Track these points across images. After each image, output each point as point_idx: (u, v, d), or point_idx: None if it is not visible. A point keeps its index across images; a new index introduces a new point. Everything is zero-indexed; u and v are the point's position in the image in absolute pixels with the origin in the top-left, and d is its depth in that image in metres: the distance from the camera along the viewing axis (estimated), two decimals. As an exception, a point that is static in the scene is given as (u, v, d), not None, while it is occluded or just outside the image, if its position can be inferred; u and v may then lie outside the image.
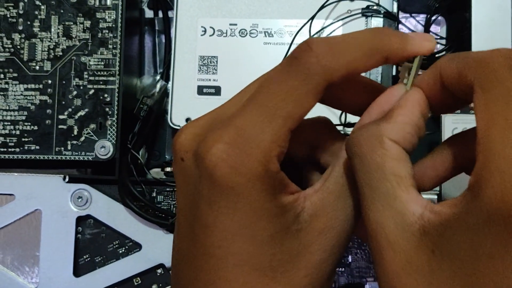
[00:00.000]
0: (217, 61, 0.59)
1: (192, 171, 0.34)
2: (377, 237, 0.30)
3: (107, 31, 0.59)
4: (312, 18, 0.58)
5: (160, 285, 0.58)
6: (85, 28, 0.60)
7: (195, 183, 0.34)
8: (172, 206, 0.59)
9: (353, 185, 0.33)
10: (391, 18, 0.59)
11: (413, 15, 0.63)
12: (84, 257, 0.59)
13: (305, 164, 0.39)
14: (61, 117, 0.59)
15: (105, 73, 0.59)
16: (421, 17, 0.63)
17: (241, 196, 0.33)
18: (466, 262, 0.27)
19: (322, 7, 0.58)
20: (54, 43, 0.60)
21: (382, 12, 0.58)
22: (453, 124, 0.55)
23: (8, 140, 0.59)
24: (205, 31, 0.60)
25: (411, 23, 0.63)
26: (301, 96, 0.33)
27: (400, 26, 0.61)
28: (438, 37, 0.62)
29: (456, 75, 0.31)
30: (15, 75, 0.59)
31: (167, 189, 0.59)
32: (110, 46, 0.59)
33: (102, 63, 0.59)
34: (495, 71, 0.29)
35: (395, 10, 0.60)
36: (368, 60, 0.33)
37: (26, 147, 0.59)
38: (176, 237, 0.36)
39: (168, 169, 0.61)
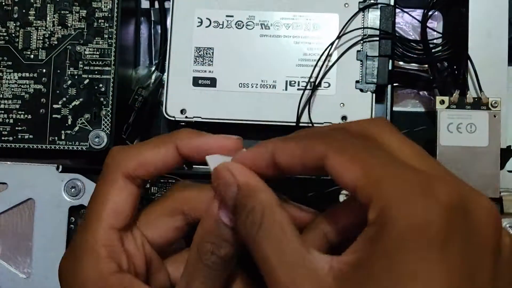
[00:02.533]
0: (213, 53, 0.59)
1: None
2: None
3: (103, 21, 0.59)
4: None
5: (153, 276, 0.58)
6: (80, 17, 0.59)
7: None
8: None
9: None
10: (387, 12, 0.58)
11: (409, 10, 0.62)
12: (77, 247, 0.59)
13: None
14: (55, 106, 0.58)
15: (100, 63, 0.59)
16: (418, 12, 0.62)
17: None
18: None
19: None
20: (49, 32, 0.59)
21: (379, 6, 0.58)
22: (449, 119, 0.55)
23: (1, 129, 0.58)
24: (201, 22, 0.60)
25: (407, 19, 0.62)
26: (105, 194, 0.38)
27: (397, 21, 0.61)
28: (435, 33, 0.62)
29: (299, 154, 0.33)
30: (10, 63, 0.59)
31: (162, 180, 0.59)
32: (106, 36, 0.59)
33: (98, 52, 0.59)
34: (346, 136, 0.34)
35: (392, 3, 0.60)
36: (155, 150, 0.38)
37: (19, 136, 0.58)
38: None
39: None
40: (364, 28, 0.59)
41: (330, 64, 0.58)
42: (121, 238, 0.38)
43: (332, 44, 0.58)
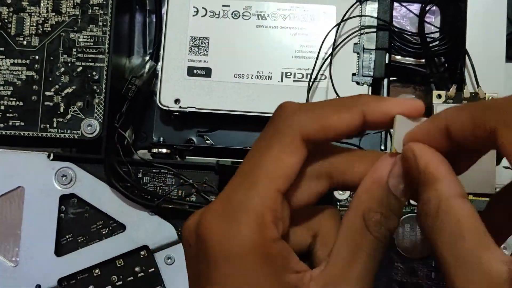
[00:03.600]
0: (208, 43, 0.59)
1: (196, 252, 0.34)
2: None
3: (97, 8, 0.58)
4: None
5: (143, 267, 0.57)
6: (75, 4, 0.59)
7: (199, 264, 0.34)
8: (158, 188, 0.58)
9: (357, 267, 0.33)
10: (385, 5, 0.58)
11: (407, 5, 0.62)
12: (67, 236, 0.58)
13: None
14: (47, 93, 0.58)
15: (94, 50, 0.58)
16: (416, 6, 0.62)
17: (234, 269, 0.32)
18: None
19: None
20: (43, 18, 0.59)
21: (377, -1, 0.58)
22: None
23: (-8, 116, 0.58)
24: (197, 11, 0.59)
25: (403, 13, 0.62)
26: (278, 153, 0.33)
27: (395, 15, 0.60)
28: (433, 27, 0.62)
29: (470, 126, 0.31)
30: (2, 49, 0.58)
31: (154, 170, 0.58)
32: (100, 24, 0.58)
33: (92, 40, 0.58)
34: None
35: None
36: (341, 115, 0.34)
37: (10, 123, 0.58)
38: None
39: (154, 150, 0.60)
40: (361, 16, 0.58)
41: (327, 56, 0.57)
42: (282, 204, 0.34)
43: (328, 34, 0.57)
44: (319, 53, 0.57)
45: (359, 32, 0.58)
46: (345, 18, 0.58)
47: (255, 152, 0.34)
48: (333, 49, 0.58)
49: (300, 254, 0.35)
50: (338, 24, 0.58)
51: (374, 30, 0.58)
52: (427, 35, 0.60)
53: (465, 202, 0.30)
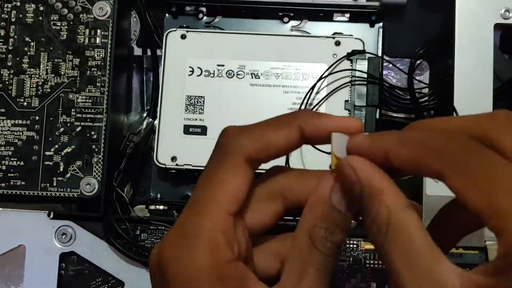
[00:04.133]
0: (204, 101, 0.60)
1: (159, 281, 0.35)
2: None
3: (95, 69, 0.60)
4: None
5: (142, 323, 0.59)
6: (74, 65, 0.60)
7: None
8: (155, 244, 0.59)
9: (307, 283, 0.34)
10: (375, 63, 0.60)
11: (396, 60, 0.64)
12: (67, 293, 0.59)
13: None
14: (47, 153, 0.59)
15: (92, 110, 0.60)
16: (405, 61, 0.64)
17: None
18: None
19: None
20: (42, 80, 0.60)
21: (366, 56, 0.59)
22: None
23: (-6, 175, 0.59)
24: (192, 71, 0.61)
25: (392, 70, 0.64)
26: (223, 177, 0.35)
27: (385, 71, 0.62)
28: (422, 84, 0.63)
29: (413, 164, 0.31)
30: (3, 110, 0.60)
31: (151, 227, 0.59)
32: (98, 84, 0.60)
33: (90, 100, 0.60)
34: (467, 152, 0.30)
35: (379, 54, 0.61)
36: (279, 132, 0.35)
37: (11, 183, 0.59)
38: None
39: (152, 207, 0.61)
40: (352, 69, 0.60)
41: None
42: (234, 225, 0.35)
43: (313, 87, 0.59)
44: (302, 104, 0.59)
45: (349, 89, 0.59)
46: (335, 75, 0.59)
47: (203, 179, 0.36)
48: (322, 101, 0.59)
49: (271, 279, 0.36)
50: (325, 77, 0.59)
51: (365, 82, 0.59)
52: (416, 91, 0.62)
53: (412, 213, 0.31)
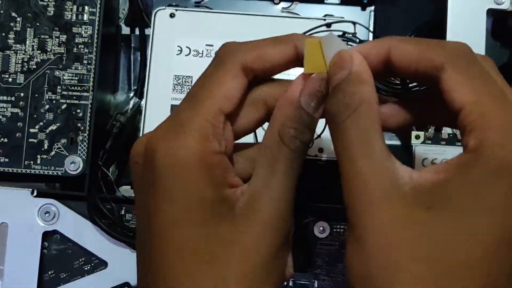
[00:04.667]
0: (192, 81, 0.59)
1: (143, 168, 0.38)
2: (368, 193, 0.34)
3: (82, 46, 0.59)
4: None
5: (125, 304, 0.58)
6: (60, 42, 0.59)
7: (145, 178, 0.37)
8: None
9: (277, 177, 0.37)
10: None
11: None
12: (49, 272, 0.58)
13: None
14: (32, 130, 0.58)
15: (78, 88, 0.59)
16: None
17: (178, 180, 0.36)
18: (466, 216, 0.32)
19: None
20: (28, 56, 0.59)
21: (357, 41, 0.59)
22: (424, 154, 0.56)
23: (-23, 152, 0.58)
24: (181, 50, 0.60)
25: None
26: (220, 78, 0.38)
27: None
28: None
29: (416, 57, 0.35)
30: (-13, 86, 0.59)
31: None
32: (85, 62, 0.59)
33: (76, 78, 0.59)
34: (468, 56, 0.35)
35: (370, 38, 0.60)
36: (276, 46, 0.39)
37: (-5, 159, 0.58)
38: (137, 229, 0.40)
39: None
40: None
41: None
42: (224, 123, 0.38)
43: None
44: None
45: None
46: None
47: (200, 80, 0.39)
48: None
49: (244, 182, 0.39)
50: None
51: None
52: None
53: (379, 112, 0.35)
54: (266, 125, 0.38)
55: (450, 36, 0.59)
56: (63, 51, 0.59)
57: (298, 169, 0.38)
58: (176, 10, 0.60)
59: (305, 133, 0.37)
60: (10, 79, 0.59)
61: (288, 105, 0.37)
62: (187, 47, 0.60)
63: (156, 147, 0.36)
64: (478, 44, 0.59)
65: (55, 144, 0.58)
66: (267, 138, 0.38)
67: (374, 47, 0.37)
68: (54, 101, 0.59)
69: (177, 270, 0.36)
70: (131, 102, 0.62)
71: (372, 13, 0.61)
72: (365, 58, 0.37)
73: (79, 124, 0.58)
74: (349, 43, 0.59)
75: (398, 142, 0.63)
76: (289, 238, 0.39)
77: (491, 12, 0.59)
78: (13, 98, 0.59)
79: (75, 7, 0.60)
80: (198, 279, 0.36)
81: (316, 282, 0.58)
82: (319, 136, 0.56)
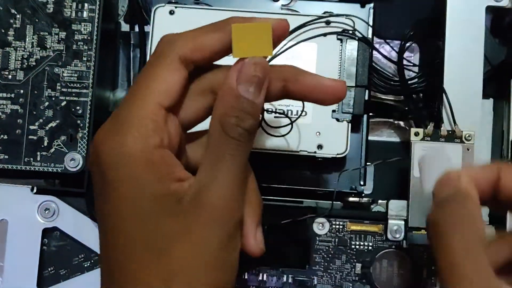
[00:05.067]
0: (191, 78, 0.59)
1: (94, 170, 0.39)
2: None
3: (82, 43, 0.59)
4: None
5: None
6: (60, 39, 0.59)
7: (95, 179, 0.39)
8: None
9: (222, 168, 0.37)
10: (365, 43, 0.59)
11: (387, 41, 0.63)
12: (49, 269, 0.59)
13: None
14: (31, 127, 0.58)
15: (78, 85, 0.59)
16: (395, 44, 0.63)
17: (123, 178, 0.37)
18: None
19: (299, 28, 0.59)
20: (28, 53, 0.59)
21: (356, 37, 0.59)
22: (423, 151, 0.56)
23: (-23, 149, 0.58)
24: (180, 47, 0.60)
25: (385, 49, 0.63)
26: (159, 73, 0.38)
27: (374, 53, 0.61)
28: (411, 64, 0.63)
29: None
30: (-13, 83, 0.59)
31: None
32: (85, 58, 0.59)
33: (76, 75, 0.59)
34: None
35: (370, 35, 0.60)
36: (212, 34, 0.39)
37: (-6, 156, 0.58)
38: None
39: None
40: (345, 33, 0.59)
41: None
42: (165, 117, 0.38)
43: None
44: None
45: (339, 69, 0.59)
46: (325, 55, 0.59)
47: (140, 76, 0.39)
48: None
49: None
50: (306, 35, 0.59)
51: (355, 65, 0.59)
52: (405, 66, 0.62)
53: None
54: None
55: (449, 33, 0.59)
56: (62, 48, 0.59)
57: (243, 159, 0.39)
58: (176, 7, 0.60)
59: (247, 120, 0.38)
60: (10, 76, 0.59)
61: (227, 94, 0.38)
62: (186, 44, 0.60)
63: (100, 147, 0.37)
64: (477, 41, 0.59)
65: (55, 141, 0.58)
66: (210, 129, 0.38)
67: (483, 171, 0.37)
68: (53, 98, 0.59)
69: (127, 263, 0.37)
70: (131, 99, 0.62)
71: (371, 10, 0.61)
72: (474, 180, 0.37)
73: (78, 121, 0.58)
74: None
75: (397, 139, 0.63)
76: (239, 226, 0.39)
77: (490, 9, 0.59)
78: (12, 95, 0.59)
79: (74, 4, 0.60)
80: (148, 272, 0.37)
81: (315, 279, 0.58)
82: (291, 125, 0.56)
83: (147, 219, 0.37)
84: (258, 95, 0.38)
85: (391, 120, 0.63)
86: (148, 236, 0.37)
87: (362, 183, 0.59)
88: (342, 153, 0.57)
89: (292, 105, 0.58)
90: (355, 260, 0.58)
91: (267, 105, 0.58)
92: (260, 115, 0.40)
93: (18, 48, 0.59)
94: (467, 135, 0.56)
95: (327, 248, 0.58)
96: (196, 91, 0.41)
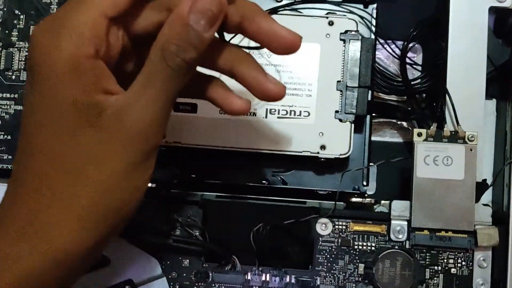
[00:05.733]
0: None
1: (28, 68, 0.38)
2: None
3: (85, 44, 0.59)
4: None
5: (127, 300, 0.58)
6: (63, 39, 0.59)
7: (27, 76, 0.39)
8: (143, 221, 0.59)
9: (149, 91, 0.37)
10: (368, 44, 0.59)
11: (390, 41, 0.63)
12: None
13: None
14: (35, 127, 0.58)
15: (81, 85, 0.59)
16: (398, 44, 0.63)
17: (49, 81, 0.36)
18: None
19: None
20: (31, 53, 0.59)
21: (359, 37, 0.59)
22: (426, 151, 0.56)
23: (-19, 149, 0.59)
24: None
25: (388, 50, 0.63)
26: None
27: (377, 53, 0.61)
28: (413, 63, 0.63)
29: None
30: (-10, 84, 0.59)
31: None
32: (88, 59, 0.59)
33: (79, 75, 0.59)
34: None
35: (372, 36, 0.60)
36: None
37: (-2, 157, 0.58)
38: None
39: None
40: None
41: (311, 93, 0.58)
42: (107, 27, 0.38)
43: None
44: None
45: (342, 69, 0.59)
46: (328, 56, 0.59)
47: None
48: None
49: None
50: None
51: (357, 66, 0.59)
52: (409, 64, 0.62)
53: None
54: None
55: (452, 33, 0.59)
56: (66, 49, 0.59)
57: (175, 89, 0.38)
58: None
59: (189, 51, 0.37)
60: (14, 77, 0.59)
61: (176, 20, 0.37)
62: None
63: (35, 47, 0.37)
64: (480, 42, 0.59)
65: (58, 141, 0.58)
66: (151, 51, 0.38)
67: None
68: (57, 99, 0.59)
69: (46, 181, 0.37)
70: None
71: (375, 11, 0.61)
72: None
73: (82, 122, 0.58)
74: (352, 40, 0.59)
75: (400, 139, 0.63)
76: (154, 152, 0.40)
77: (493, 10, 0.59)
78: (16, 96, 0.59)
79: (78, 5, 0.60)
80: (56, 188, 0.37)
81: (318, 279, 0.58)
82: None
83: (65, 130, 0.37)
84: (207, 29, 0.37)
85: (394, 120, 0.63)
86: (63, 150, 0.37)
87: (365, 183, 0.59)
88: (345, 154, 0.57)
89: (295, 106, 0.58)
90: (358, 261, 0.58)
91: (270, 106, 0.58)
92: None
93: (22, 49, 0.60)
94: (470, 136, 0.56)
95: (330, 248, 0.58)
96: (153, 6, 0.40)
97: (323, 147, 0.57)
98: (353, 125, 0.58)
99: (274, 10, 0.61)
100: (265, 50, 0.58)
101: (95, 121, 0.37)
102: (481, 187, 0.57)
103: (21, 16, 0.60)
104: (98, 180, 0.37)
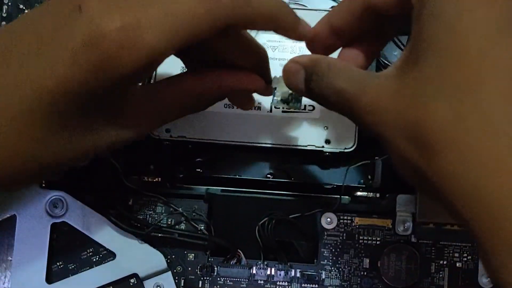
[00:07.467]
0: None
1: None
2: None
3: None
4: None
5: (133, 294, 0.58)
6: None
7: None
8: (148, 216, 0.59)
9: None
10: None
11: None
12: (58, 263, 0.59)
13: None
14: (40, 122, 0.58)
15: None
16: (403, 39, 0.63)
17: None
18: None
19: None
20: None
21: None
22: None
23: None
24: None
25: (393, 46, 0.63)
26: None
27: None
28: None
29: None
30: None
31: (144, 198, 0.59)
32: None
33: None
34: None
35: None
36: None
37: (3, 151, 0.58)
38: None
39: (145, 178, 0.60)
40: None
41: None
42: None
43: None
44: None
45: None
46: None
47: None
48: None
49: None
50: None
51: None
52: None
53: None
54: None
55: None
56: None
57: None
58: None
59: None
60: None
61: None
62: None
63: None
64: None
65: (64, 136, 0.58)
66: None
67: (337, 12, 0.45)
68: (62, 93, 0.59)
69: None
70: (139, 94, 0.62)
71: (379, 5, 0.61)
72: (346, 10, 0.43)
73: (86, 116, 0.58)
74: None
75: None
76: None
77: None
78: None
79: (82, -1, 0.60)
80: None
81: (323, 273, 0.58)
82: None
83: None
84: None
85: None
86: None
87: (370, 177, 0.59)
88: (350, 148, 0.57)
89: (300, 100, 0.58)
90: (363, 255, 0.58)
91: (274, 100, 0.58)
92: None
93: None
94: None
95: (335, 242, 0.58)
96: None
97: (328, 141, 0.57)
98: (358, 118, 0.58)
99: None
100: (270, 44, 0.59)
101: None
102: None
103: (26, 11, 0.60)
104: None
